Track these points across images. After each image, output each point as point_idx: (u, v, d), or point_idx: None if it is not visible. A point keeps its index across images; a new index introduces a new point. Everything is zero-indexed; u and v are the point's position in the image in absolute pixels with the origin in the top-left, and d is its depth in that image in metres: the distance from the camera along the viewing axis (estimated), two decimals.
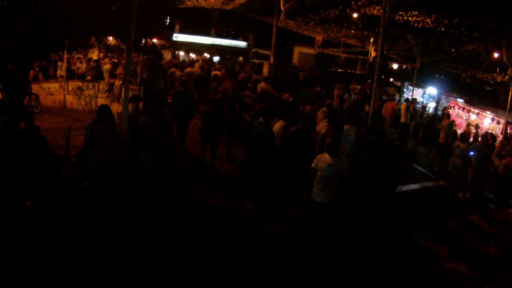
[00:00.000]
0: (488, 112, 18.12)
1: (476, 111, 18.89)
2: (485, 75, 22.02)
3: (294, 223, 7.85)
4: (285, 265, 6.55)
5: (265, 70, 21.32)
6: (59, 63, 19.63)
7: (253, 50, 39.40)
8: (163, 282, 5.63)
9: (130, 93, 7.80)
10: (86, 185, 6.78)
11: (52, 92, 19.00)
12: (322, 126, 9.53)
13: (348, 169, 7.00)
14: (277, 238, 7.23)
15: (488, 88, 27.32)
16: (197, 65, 20.11)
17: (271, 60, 21.88)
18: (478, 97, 23.87)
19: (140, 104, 10.91)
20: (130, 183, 6.37)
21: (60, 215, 6.41)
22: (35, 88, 17.09)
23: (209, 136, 9.81)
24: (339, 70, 35.23)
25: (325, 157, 6.85)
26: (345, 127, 8.79)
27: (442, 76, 29.02)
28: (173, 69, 18.09)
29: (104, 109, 7.26)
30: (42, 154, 6.71)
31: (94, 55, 22.39)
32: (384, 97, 20.62)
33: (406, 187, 11.25)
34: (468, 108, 19.55)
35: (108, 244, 5.97)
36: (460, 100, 21.29)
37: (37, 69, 19.03)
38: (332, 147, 6.85)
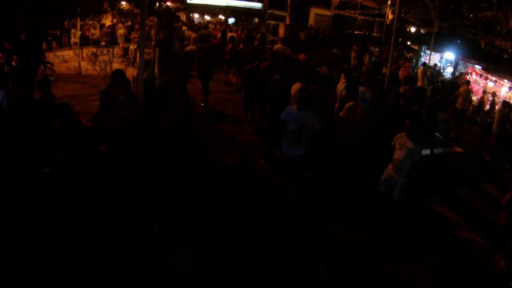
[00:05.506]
0: (506, 81, 17.62)
1: (494, 78, 18.38)
2: (503, 42, 21.42)
3: (309, 184, 7.91)
4: (300, 226, 6.65)
5: (281, 31, 21.11)
6: (73, 30, 19.58)
7: (269, 11, 38.42)
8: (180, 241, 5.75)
9: (146, 57, 7.79)
10: (102, 150, 6.87)
11: (66, 59, 19.06)
12: (341, 84, 9.46)
13: (320, 122, 6.55)
14: (292, 199, 7.22)
15: (506, 56, 26.48)
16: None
17: (287, 21, 21.62)
18: (496, 64, 23.23)
19: (156, 68, 10.92)
20: (146, 145, 6.43)
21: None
22: (49, 56, 17.15)
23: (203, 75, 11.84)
24: (356, 32, 34.52)
25: (293, 109, 6.67)
26: (361, 88, 8.62)
27: (459, 42, 28.23)
28: (188, 32, 18.00)
29: (119, 73, 7.30)
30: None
31: (108, 21, 22.25)
32: (401, 61, 20.31)
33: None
34: (486, 75, 19.06)
35: (125, 206, 6.09)
36: (477, 67, 20.73)
37: (50, 38, 18.91)
38: (301, 99, 6.58)
